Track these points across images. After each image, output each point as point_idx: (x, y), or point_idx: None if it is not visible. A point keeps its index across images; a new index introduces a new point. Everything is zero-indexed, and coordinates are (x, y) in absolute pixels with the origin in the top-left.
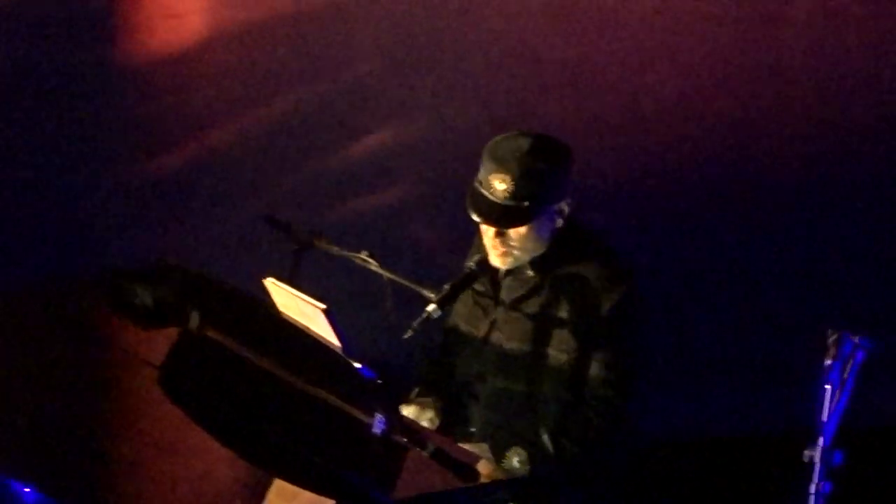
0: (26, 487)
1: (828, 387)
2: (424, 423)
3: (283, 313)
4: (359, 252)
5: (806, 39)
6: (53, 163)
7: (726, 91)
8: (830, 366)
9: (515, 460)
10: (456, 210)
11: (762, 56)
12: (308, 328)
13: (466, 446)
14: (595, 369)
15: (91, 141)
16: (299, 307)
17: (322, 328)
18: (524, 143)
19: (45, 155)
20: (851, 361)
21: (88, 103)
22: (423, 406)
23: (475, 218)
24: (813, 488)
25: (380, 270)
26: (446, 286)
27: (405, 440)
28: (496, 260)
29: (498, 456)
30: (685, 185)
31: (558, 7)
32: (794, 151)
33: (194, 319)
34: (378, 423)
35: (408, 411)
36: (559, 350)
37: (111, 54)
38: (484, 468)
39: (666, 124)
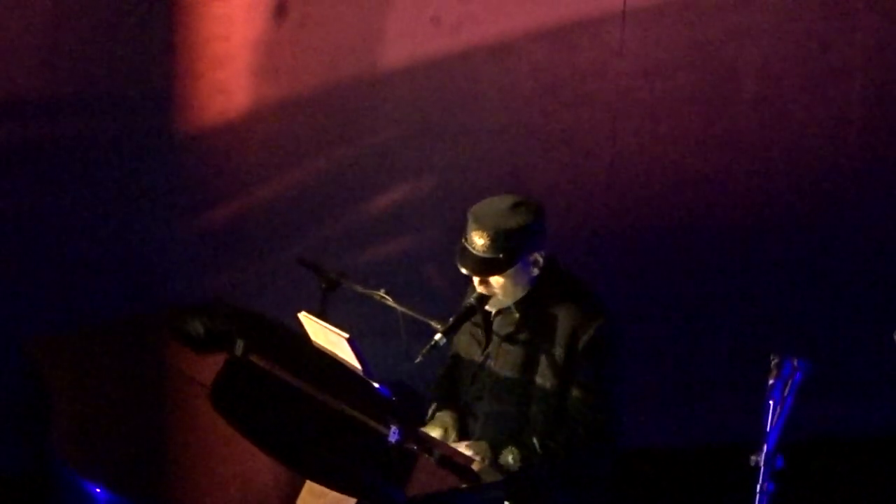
0: (97, 487)
1: (771, 402)
2: (450, 440)
3: (314, 342)
4: (378, 290)
5: (756, 115)
6: (126, 217)
7: (687, 155)
8: (773, 384)
9: (510, 458)
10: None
11: (719, 130)
12: (335, 354)
13: (468, 446)
14: (575, 393)
15: (155, 198)
16: (327, 336)
17: (346, 354)
18: (502, 204)
19: (119, 211)
20: (791, 381)
21: (153, 166)
22: (444, 424)
23: (462, 269)
24: (759, 488)
25: (395, 305)
26: (451, 319)
27: (416, 447)
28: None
29: (495, 454)
30: (652, 231)
31: (546, 85)
32: (743, 203)
33: (239, 347)
34: (393, 434)
35: (435, 432)
36: (544, 378)
37: (171, 125)
38: (478, 466)
39: (634, 183)
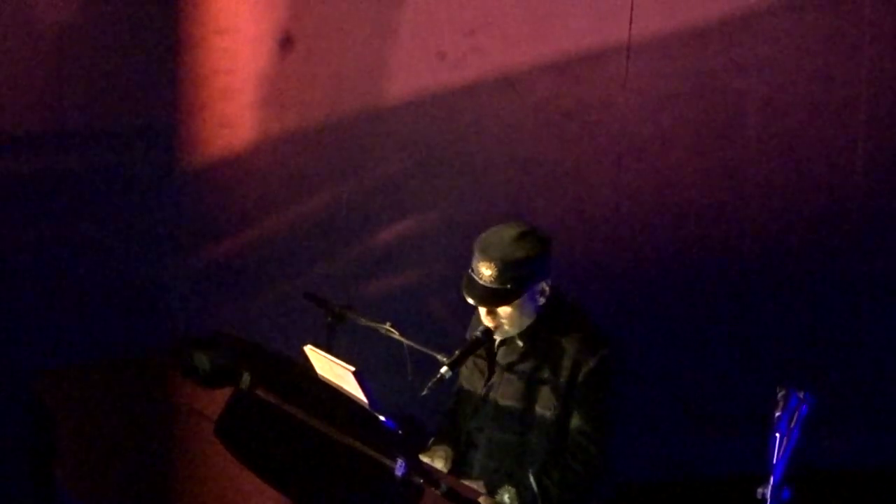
0: None
1: (777, 434)
2: (438, 467)
3: (320, 375)
4: (383, 323)
5: (762, 147)
6: (130, 250)
7: (692, 189)
8: (780, 417)
9: (506, 497)
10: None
11: (724, 162)
12: (341, 387)
13: (466, 482)
14: (575, 423)
15: (160, 231)
16: (333, 370)
17: (352, 387)
18: (507, 234)
19: (123, 243)
20: (797, 413)
21: (157, 199)
22: (434, 455)
23: (469, 300)
24: None
25: (401, 339)
26: (457, 352)
27: (422, 481)
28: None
29: (491, 492)
30: (655, 265)
31: (551, 118)
32: (748, 236)
33: (245, 380)
34: (400, 467)
35: (425, 458)
36: (545, 408)
37: (176, 158)
38: (484, 501)
39: (639, 216)
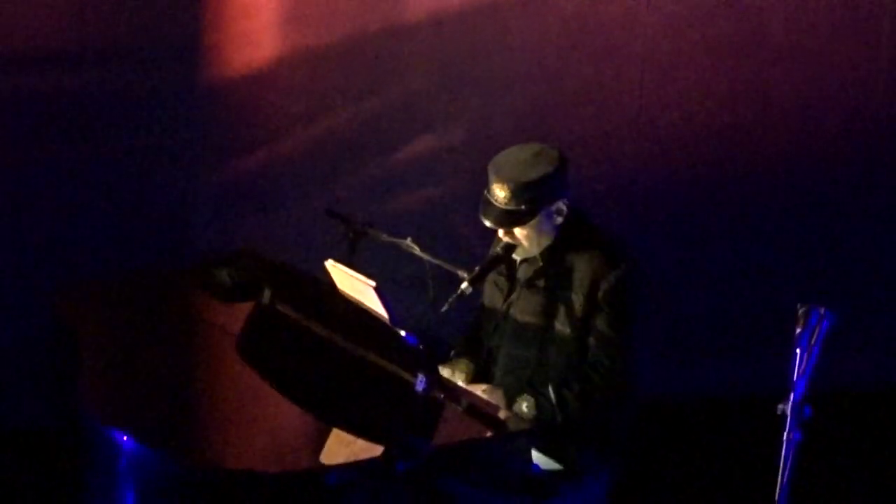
0: (124, 437)
1: (798, 351)
2: (458, 381)
3: (340, 290)
4: (404, 239)
5: (784, 65)
6: (153, 168)
7: (714, 107)
8: (800, 334)
9: (524, 406)
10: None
11: (747, 80)
12: (361, 303)
13: (484, 390)
14: (593, 340)
15: (182, 149)
16: (354, 285)
17: (373, 302)
18: (521, 155)
19: (146, 162)
20: (818, 330)
21: (180, 117)
22: (454, 367)
23: (485, 222)
24: (785, 437)
25: (422, 254)
26: (477, 268)
27: (443, 396)
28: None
29: (510, 402)
30: (678, 183)
31: (574, 35)
32: (771, 154)
33: (266, 295)
34: (420, 383)
35: (444, 371)
36: (563, 324)
37: (198, 76)
38: (503, 414)
39: (661, 134)
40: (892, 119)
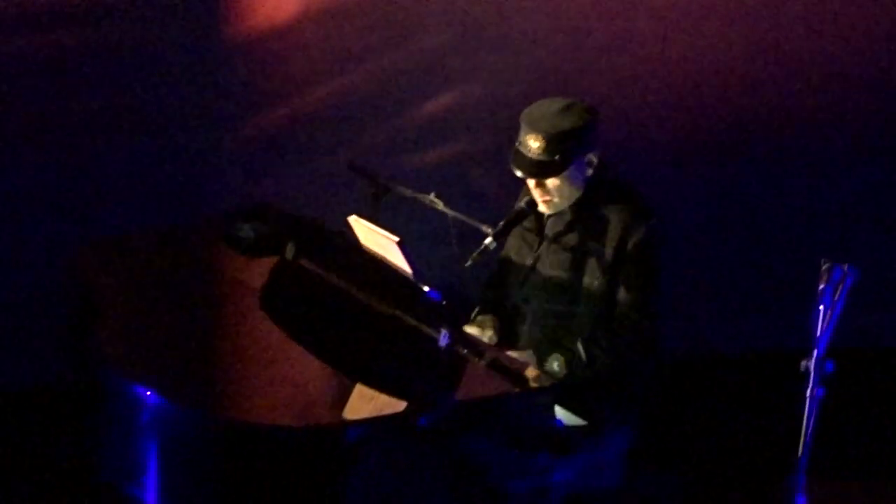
0: (147, 391)
1: (821, 307)
2: (485, 340)
3: (363, 245)
4: (428, 194)
5: (807, 19)
6: (175, 122)
7: (738, 60)
8: (823, 290)
9: (555, 364)
10: (508, 159)
11: (769, 35)
12: (385, 258)
13: (514, 354)
14: (622, 294)
15: (205, 103)
16: (377, 240)
17: (396, 258)
18: (553, 107)
19: (168, 115)
20: (841, 286)
21: (202, 71)
22: (483, 325)
23: (517, 173)
24: (808, 393)
25: (445, 210)
26: (501, 222)
27: (466, 351)
28: (542, 207)
29: (540, 361)
30: (702, 138)
31: None
32: (795, 108)
33: (290, 251)
34: (443, 338)
35: (471, 330)
36: (592, 277)
37: (221, 29)
38: (530, 372)
39: (684, 90)
40: None
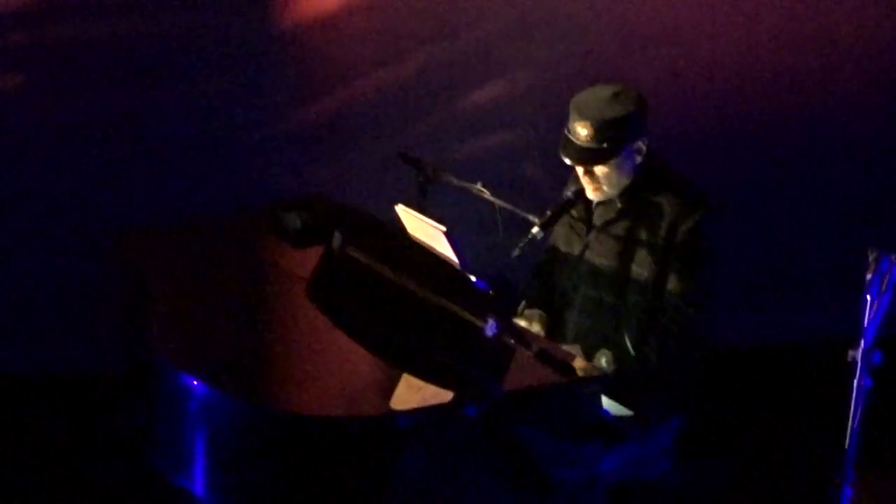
0: (194, 380)
1: (868, 298)
2: (535, 331)
3: (411, 234)
4: (475, 184)
5: (857, 12)
6: (224, 112)
7: (787, 53)
8: (871, 280)
9: (603, 360)
10: (555, 149)
11: (818, 27)
12: (432, 247)
13: (563, 347)
14: (672, 285)
15: (254, 93)
16: (424, 230)
17: (443, 247)
18: (602, 94)
19: (218, 106)
20: (889, 276)
21: (252, 61)
22: (531, 319)
23: (566, 160)
24: (856, 384)
25: (492, 199)
26: (548, 212)
27: (513, 342)
28: (591, 194)
29: (588, 357)
30: (749, 130)
31: None
32: (844, 99)
33: (337, 240)
34: (490, 327)
35: (522, 321)
36: (641, 267)
37: (271, 19)
38: (579, 363)
39: (734, 81)
40: None
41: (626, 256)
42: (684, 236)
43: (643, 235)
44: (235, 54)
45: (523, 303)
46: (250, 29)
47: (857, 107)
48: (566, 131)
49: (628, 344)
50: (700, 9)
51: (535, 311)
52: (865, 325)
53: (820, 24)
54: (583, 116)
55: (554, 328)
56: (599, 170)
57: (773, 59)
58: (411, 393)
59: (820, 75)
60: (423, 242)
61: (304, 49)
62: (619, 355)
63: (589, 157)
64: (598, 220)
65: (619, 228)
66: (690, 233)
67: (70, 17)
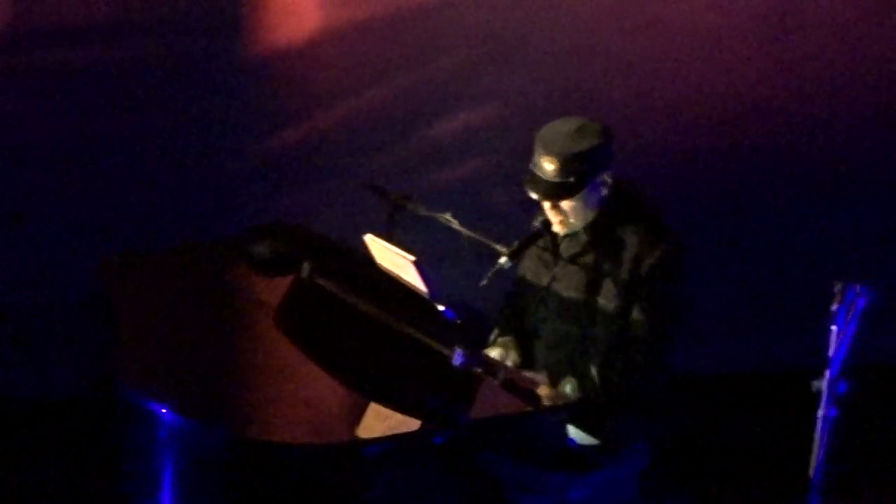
0: (163, 409)
1: (834, 328)
2: (509, 363)
3: (379, 264)
4: (443, 213)
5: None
6: (194, 140)
7: (754, 81)
8: (836, 310)
9: (568, 387)
10: (524, 180)
11: (786, 54)
12: (400, 277)
13: (528, 373)
14: (637, 316)
15: (224, 121)
16: (393, 259)
17: (412, 277)
18: (567, 128)
19: (187, 133)
20: (854, 307)
21: (221, 89)
22: (507, 347)
23: (532, 195)
24: (821, 414)
25: (460, 229)
26: (516, 242)
27: (480, 370)
28: (557, 228)
29: (553, 384)
30: (718, 158)
31: (612, 10)
32: (811, 129)
33: (306, 269)
34: (457, 356)
35: (494, 352)
36: (607, 300)
37: (241, 47)
38: (544, 391)
39: (702, 110)
40: None
41: (592, 289)
42: (650, 269)
43: (609, 268)
44: (205, 82)
45: (496, 330)
46: (221, 57)
47: (824, 138)
48: (531, 165)
49: (593, 373)
50: (668, 39)
51: (509, 338)
52: (831, 356)
53: (786, 55)
54: (548, 151)
55: (524, 359)
56: (566, 204)
57: (740, 90)
58: (379, 421)
59: (787, 106)
60: (392, 272)
61: (274, 77)
62: (584, 383)
63: (555, 191)
64: (564, 252)
65: (586, 261)
66: (656, 265)
67: (38, 44)
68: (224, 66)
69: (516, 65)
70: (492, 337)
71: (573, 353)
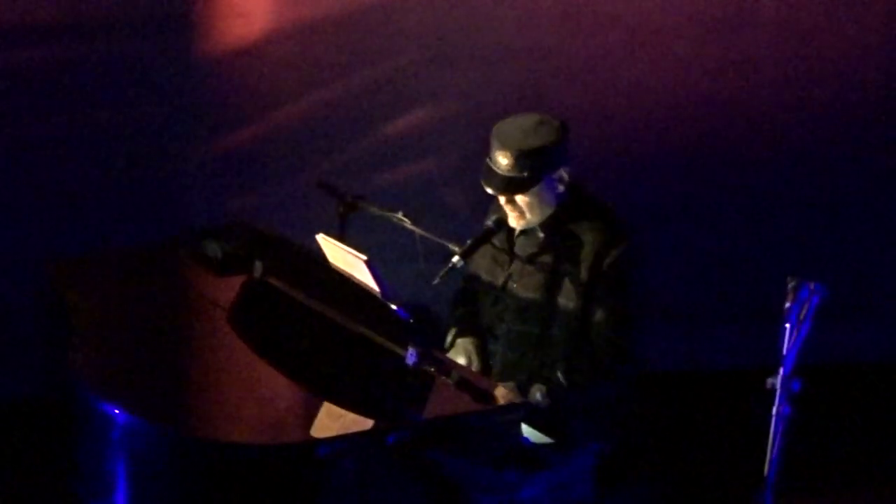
0: (116, 409)
1: (787, 325)
2: (472, 367)
3: (332, 264)
4: (395, 212)
5: (775, 39)
6: (145, 140)
7: (705, 80)
8: (790, 308)
9: (538, 395)
10: (476, 178)
11: (738, 53)
12: (353, 276)
13: (500, 388)
14: (599, 315)
15: (174, 121)
16: (345, 258)
17: (364, 276)
18: (524, 123)
19: (138, 133)
20: (808, 304)
21: (172, 89)
22: (467, 349)
23: (487, 189)
24: (775, 411)
25: (413, 228)
26: (468, 241)
27: (433, 370)
28: (513, 223)
29: (522, 391)
30: (670, 156)
31: (566, 8)
32: (762, 126)
33: (258, 269)
34: (410, 356)
35: (460, 360)
36: (567, 299)
37: (191, 48)
38: (499, 391)
39: (655, 108)
40: (881, 90)
41: (551, 289)
42: (609, 267)
43: (568, 267)
44: (155, 82)
45: (453, 330)
46: (170, 57)
47: (779, 133)
48: (488, 160)
49: (560, 376)
50: (623, 36)
51: (469, 340)
52: (785, 353)
53: (743, 50)
54: (504, 146)
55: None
56: (521, 198)
57: (695, 86)
58: (332, 420)
59: (743, 101)
60: (344, 271)
61: (222, 77)
62: (551, 388)
63: (510, 185)
64: (520, 251)
65: (544, 260)
66: (615, 263)
67: None
68: (174, 67)
69: (468, 64)
70: (449, 338)
71: (531, 353)
